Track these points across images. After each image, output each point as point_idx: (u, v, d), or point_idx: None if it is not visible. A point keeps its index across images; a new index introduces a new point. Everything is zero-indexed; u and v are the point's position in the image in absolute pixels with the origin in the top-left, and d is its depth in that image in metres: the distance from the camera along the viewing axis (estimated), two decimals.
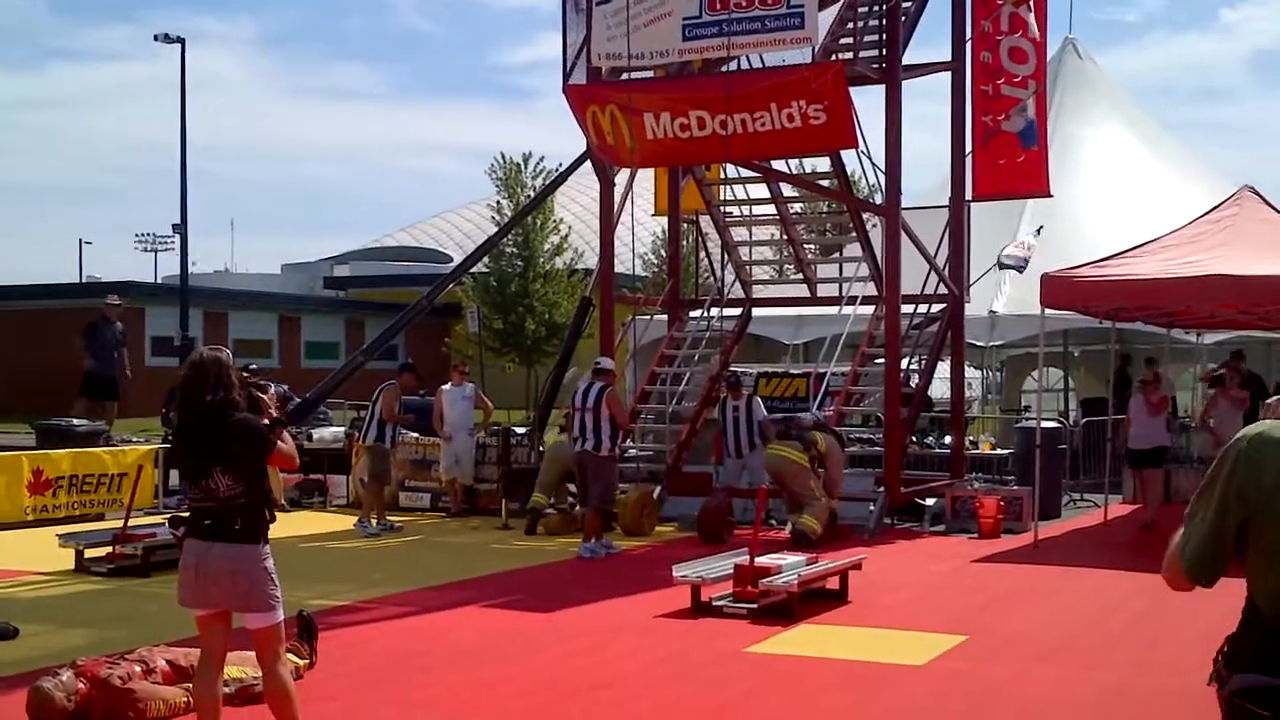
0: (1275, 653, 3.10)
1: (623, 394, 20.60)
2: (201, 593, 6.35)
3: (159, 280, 66.49)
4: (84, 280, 65.91)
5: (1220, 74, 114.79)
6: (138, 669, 7.57)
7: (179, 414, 6.51)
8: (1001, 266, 18.32)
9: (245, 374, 6.82)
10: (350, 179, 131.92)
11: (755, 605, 10.44)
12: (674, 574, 10.81)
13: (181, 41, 37.48)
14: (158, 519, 14.68)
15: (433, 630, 10.19)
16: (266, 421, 6.42)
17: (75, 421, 19.17)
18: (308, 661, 8.37)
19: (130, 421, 32.24)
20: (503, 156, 46.29)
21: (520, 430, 18.95)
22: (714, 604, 10.62)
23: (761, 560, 10.89)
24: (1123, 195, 23.80)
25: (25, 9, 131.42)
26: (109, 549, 12.99)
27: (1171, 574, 3.30)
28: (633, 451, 17.96)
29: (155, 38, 37.92)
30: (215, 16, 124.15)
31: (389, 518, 16.63)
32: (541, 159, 45.95)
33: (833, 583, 11.30)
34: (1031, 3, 17.57)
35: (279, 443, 6.40)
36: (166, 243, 75.04)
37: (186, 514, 6.46)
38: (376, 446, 16.66)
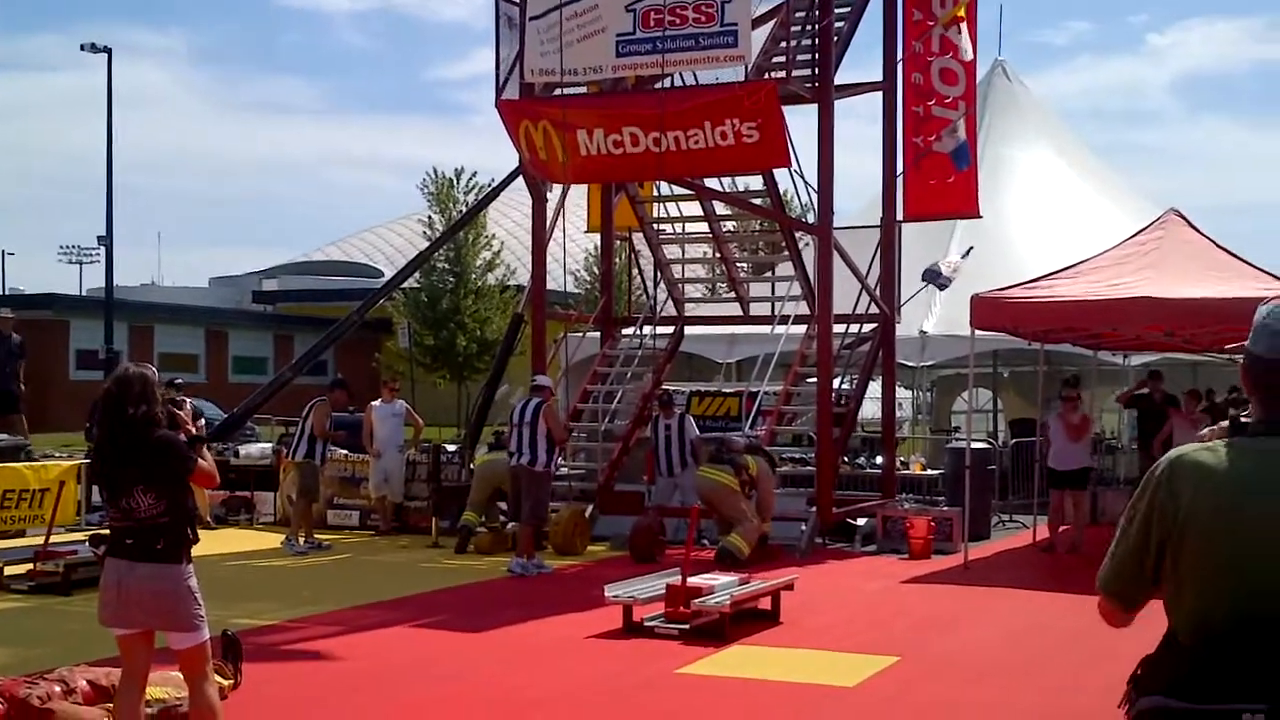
0: (1187, 676, 3.09)
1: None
2: (123, 612, 6.21)
3: (84, 293, 65.52)
4: (6, 292, 64.83)
5: (1147, 97, 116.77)
6: (57, 689, 7.38)
7: (100, 429, 6.38)
8: (925, 279, 18.45)
9: (167, 389, 6.72)
10: (282, 193, 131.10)
11: (687, 626, 10.38)
12: (606, 594, 10.73)
13: (108, 51, 37.01)
14: (80, 536, 14.40)
15: (362, 650, 10.05)
16: (185, 438, 6.30)
17: None
18: (233, 682, 8.22)
19: (52, 436, 31.66)
20: (435, 171, 46.08)
21: (451, 447, 18.81)
22: (646, 624, 10.55)
23: (694, 580, 10.83)
24: (1051, 217, 24.06)
25: None
26: (30, 566, 12.71)
27: (1099, 602, 3.34)
28: (564, 470, 17.86)
29: (81, 47, 37.41)
30: (148, 28, 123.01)
31: (317, 536, 16.43)
32: (474, 174, 45.74)
33: (765, 603, 11.28)
34: (962, 25, 17.73)
35: (200, 460, 6.28)
36: (92, 255, 73.98)
37: (107, 532, 6.32)
38: (306, 463, 16.45)
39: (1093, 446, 18.04)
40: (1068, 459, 16.47)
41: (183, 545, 6.25)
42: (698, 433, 16.76)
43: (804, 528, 16.00)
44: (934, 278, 18.30)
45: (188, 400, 16.47)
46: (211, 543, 15.98)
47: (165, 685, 7.26)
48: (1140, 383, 19.60)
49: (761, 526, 15.11)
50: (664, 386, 18.37)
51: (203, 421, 17.52)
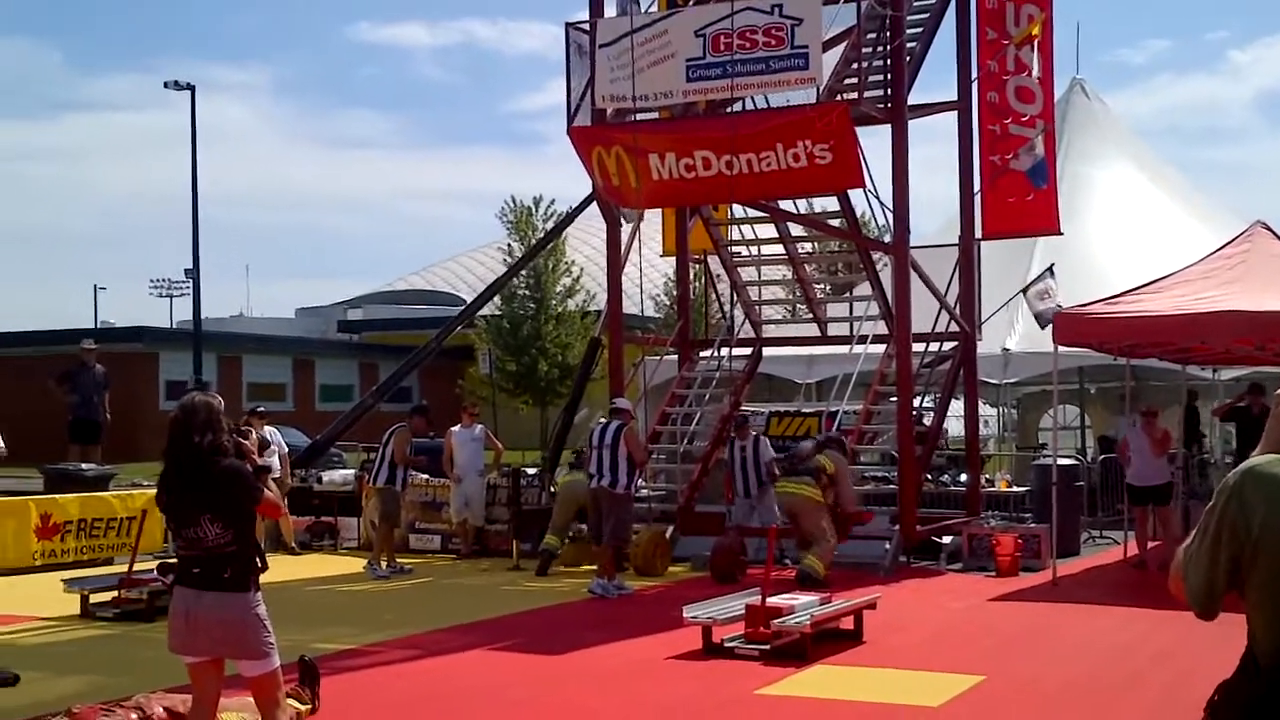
0: (1263, 701, 2.96)
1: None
2: (191, 640, 6.27)
3: (174, 325, 66.69)
4: (99, 325, 66.06)
5: (1228, 115, 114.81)
6: (134, 716, 7.48)
7: (165, 458, 6.43)
8: (1036, 318, 18.16)
9: (250, 416, 6.78)
10: (364, 225, 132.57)
11: (768, 646, 10.31)
12: (685, 615, 10.70)
13: (191, 88, 37.70)
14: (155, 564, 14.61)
15: (441, 673, 10.08)
16: (251, 468, 6.35)
17: (84, 466, 19.13)
18: (310, 707, 8.27)
19: (143, 465, 32.10)
20: (513, 200, 46.44)
21: (531, 471, 18.88)
22: (726, 645, 10.50)
23: (774, 600, 10.77)
24: (1133, 233, 23.70)
25: (37, 61, 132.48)
26: (114, 594, 12.90)
27: (1174, 587, 3.19)
28: (645, 491, 17.86)
29: (165, 85, 38.15)
30: (230, 64, 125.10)
31: (399, 560, 16.54)
32: (553, 202, 46.04)
33: (847, 622, 11.18)
34: (1036, 44, 17.55)
35: (265, 491, 6.33)
36: (181, 288, 75.19)
37: (175, 560, 6.38)
38: (386, 489, 16.57)
39: (1181, 461, 17.69)
40: (1148, 474, 16.24)
41: (250, 574, 6.28)
42: (772, 454, 16.69)
43: (888, 546, 15.86)
44: (1046, 313, 17.91)
45: (254, 429, 16.73)
46: (295, 568, 16.24)
47: (242, 711, 7.32)
48: (1239, 395, 19.13)
49: (838, 541, 14.98)
50: (742, 408, 18.31)
51: (272, 449, 17.90)
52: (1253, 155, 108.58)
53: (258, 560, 6.33)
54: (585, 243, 51.41)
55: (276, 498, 6.47)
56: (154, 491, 17.26)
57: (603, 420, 15.05)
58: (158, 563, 7.54)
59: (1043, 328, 18.03)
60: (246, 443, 6.66)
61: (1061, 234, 18.77)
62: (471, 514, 17.83)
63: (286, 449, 19.17)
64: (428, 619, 12.62)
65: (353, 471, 20.73)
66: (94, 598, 12.97)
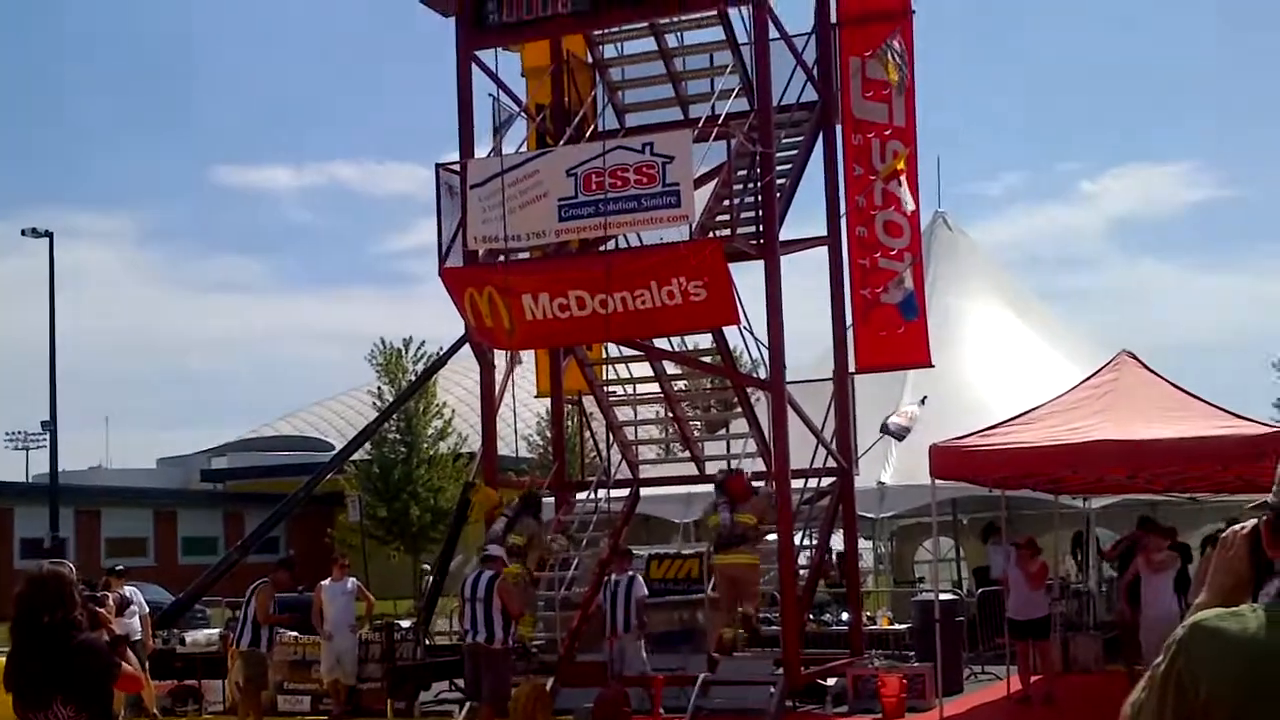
0: None
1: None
2: None
3: (30, 479, 64.52)
4: None
5: (1083, 242, 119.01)
6: None
7: (13, 637, 5.92)
8: (884, 432, 18.24)
9: (109, 576, 6.31)
10: (231, 371, 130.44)
11: None
12: None
13: (49, 235, 36.88)
14: None
15: None
16: (108, 639, 5.88)
17: None
18: None
19: None
20: (383, 342, 45.86)
21: (405, 624, 18.24)
22: None
23: None
24: (1002, 364, 24.09)
25: None
26: None
27: None
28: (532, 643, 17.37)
29: (22, 232, 37.29)
30: (95, 212, 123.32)
31: None
32: (423, 344, 45.47)
33: None
34: (903, 178, 17.83)
35: (123, 664, 5.85)
36: (38, 440, 72.86)
37: None
38: (250, 652, 15.77)
39: (1059, 592, 17.68)
40: (1026, 608, 16.21)
41: None
42: (645, 592, 16.37)
43: (773, 690, 15.51)
44: (898, 430, 18.06)
45: (111, 594, 15.98)
46: None
47: None
48: (1129, 535, 18.76)
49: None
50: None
51: (133, 609, 17.10)
52: (1108, 281, 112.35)
53: None
54: (457, 384, 50.97)
55: (136, 669, 5.98)
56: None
57: (474, 570, 14.52)
58: None
59: (882, 433, 18.08)
60: (102, 610, 6.18)
61: (933, 366, 18.92)
62: (343, 672, 17.05)
63: (148, 609, 18.33)
64: None
65: (217, 631, 19.88)
66: None
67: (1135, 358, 15.82)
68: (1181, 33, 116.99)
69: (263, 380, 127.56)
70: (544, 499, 19.84)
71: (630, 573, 16.65)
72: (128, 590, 17.46)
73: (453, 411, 47.39)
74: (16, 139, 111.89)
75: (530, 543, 16.04)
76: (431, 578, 18.70)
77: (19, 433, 78.61)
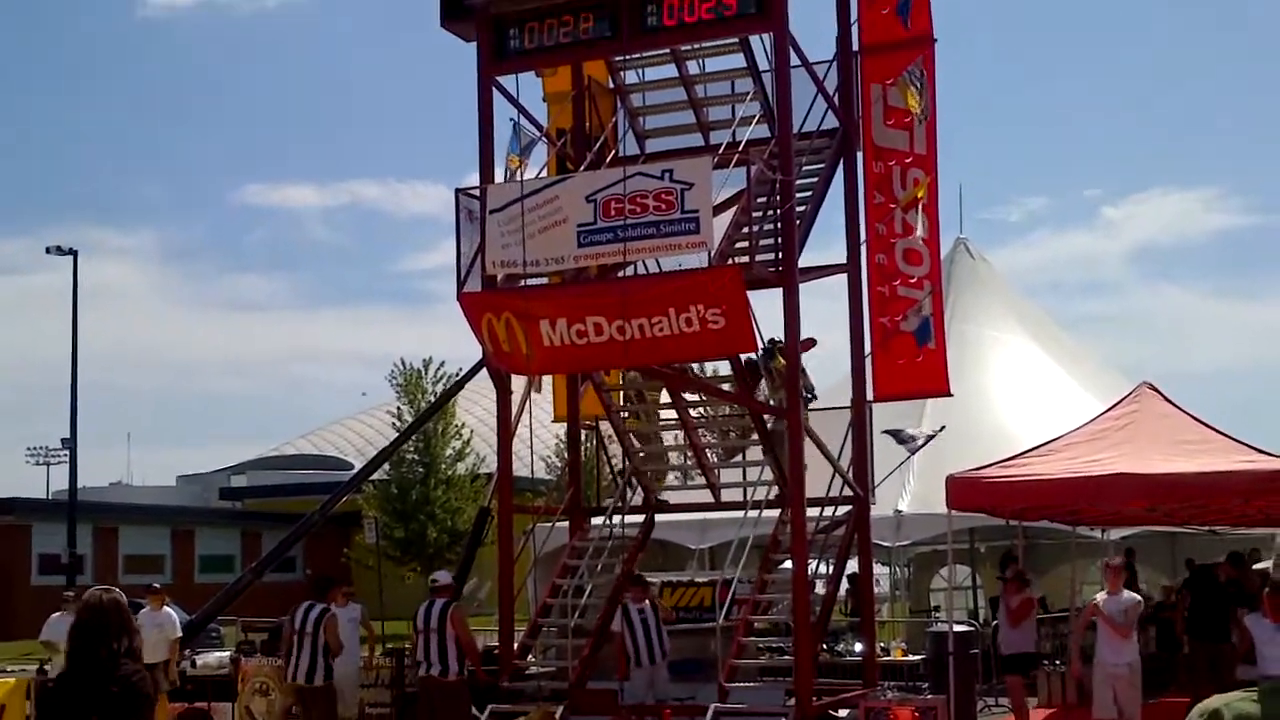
0: None
1: (525, 605, 19.99)
2: None
3: (50, 495, 64.75)
4: None
5: (1105, 269, 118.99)
6: None
7: (68, 662, 5.78)
8: (892, 435, 18.15)
9: (150, 593, 6.22)
10: (252, 388, 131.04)
11: None
12: None
13: (74, 253, 37.07)
14: None
15: None
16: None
17: None
18: None
19: (14, 644, 30.66)
20: (403, 362, 45.95)
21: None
22: None
23: None
24: (1022, 392, 24.00)
25: None
26: None
27: None
28: (534, 669, 17.28)
29: (47, 250, 37.51)
30: (117, 230, 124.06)
31: None
32: (442, 364, 45.58)
33: None
34: (921, 206, 17.77)
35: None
36: (58, 456, 73.12)
37: None
38: (323, 688, 14.65)
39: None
40: (1009, 643, 16.16)
41: None
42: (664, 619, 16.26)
43: None
44: (903, 439, 17.96)
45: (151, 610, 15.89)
46: None
47: None
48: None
49: None
50: (637, 573, 17.90)
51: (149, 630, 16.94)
52: (1129, 307, 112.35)
53: None
54: (476, 404, 51.00)
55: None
56: (14, 682, 16.24)
57: (425, 601, 14.11)
58: None
59: (891, 436, 17.95)
60: (139, 637, 6.10)
61: (951, 395, 18.81)
62: (343, 703, 16.76)
63: (180, 632, 18.03)
64: None
65: (229, 653, 19.81)
66: None
67: (1156, 390, 15.75)
68: (1205, 59, 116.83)
69: (283, 399, 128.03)
70: (559, 524, 19.81)
71: (647, 601, 16.55)
72: (166, 612, 17.37)
73: (471, 432, 47.44)
74: (42, 155, 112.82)
75: None
76: None
77: (40, 448, 78.95)
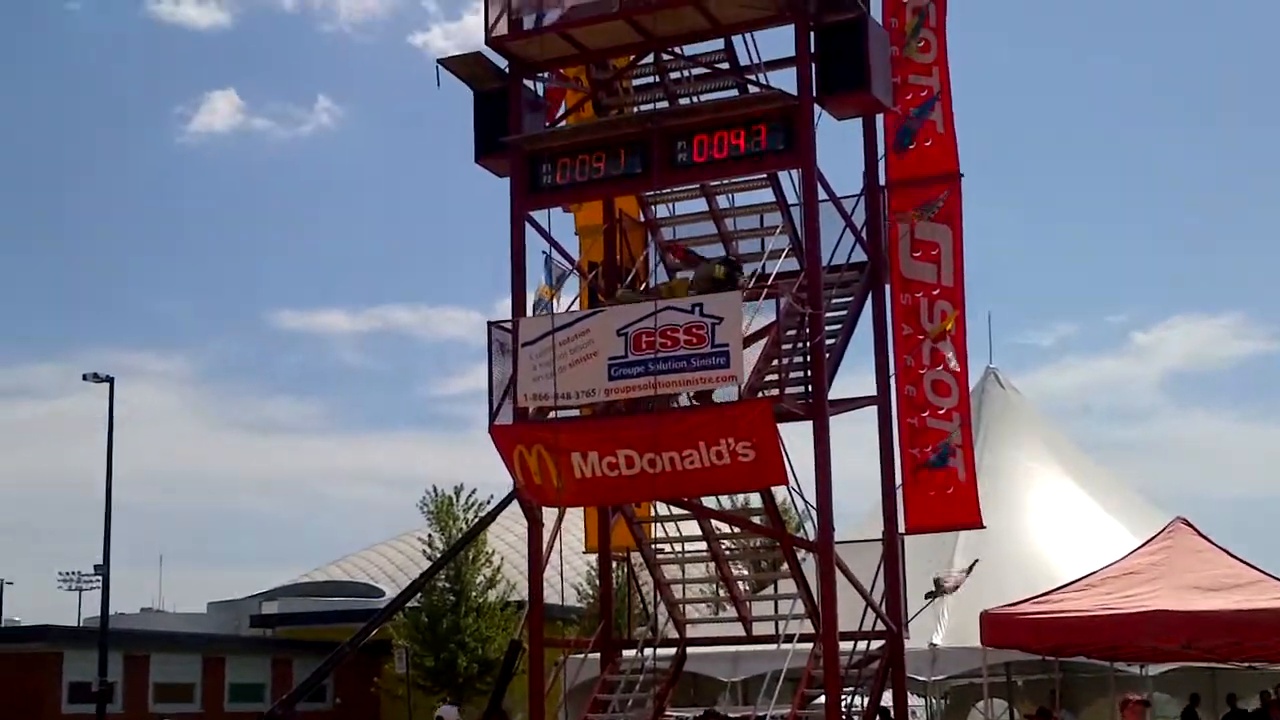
0: None
1: None
2: None
3: (82, 621, 64.56)
4: (2, 624, 63.74)
5: (1136, 395, 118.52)
6: None
7: None
8: (929, 597, 18.01)
9: None
10: (283, 510, 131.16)
11: None
12: None
13: (110, 381, 37.44)
14: None
15: None
16: None
17: None
18: None
19: None
20: (435, 489, 45.95)
21: None
22: None
23: None
24: (1054, 523, 23.83)
25: None
26: None
27: None
28: None
29: (84, 377, 37.88)
30: (152, 353, 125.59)
31: None
32: (474, 491, 45.55)
33: None
34: (950, 338, 17.85)
35: None
36: (91, 582, 73.11)
37: None
38: None
39: None
40: None
41: None
42: None
43: None
44: (943, 590, 17.84)
45: None
46: None
47: None
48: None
49: None
50: (666, 713, 17.71)
51: None
52: (1161, 434, 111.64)
53: None
54: (508, 530, 50.82)
55: None
56: None
57: None
58: None
59: (927, 599, 17.77)
60: None
61: (985, 527, 18.70)
62: None
63: None
64: None
65: None
66: None
67: (1190, 525, 15.64)
68: (1226, 185, 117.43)
69: (315, 521, 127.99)
70: (590, 656, 19.66)
71: None
72: None
73: (502, 559, 47.23)
74: (79, 281, 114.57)
75: None
76: None
77: (73, 573, 79.04)
